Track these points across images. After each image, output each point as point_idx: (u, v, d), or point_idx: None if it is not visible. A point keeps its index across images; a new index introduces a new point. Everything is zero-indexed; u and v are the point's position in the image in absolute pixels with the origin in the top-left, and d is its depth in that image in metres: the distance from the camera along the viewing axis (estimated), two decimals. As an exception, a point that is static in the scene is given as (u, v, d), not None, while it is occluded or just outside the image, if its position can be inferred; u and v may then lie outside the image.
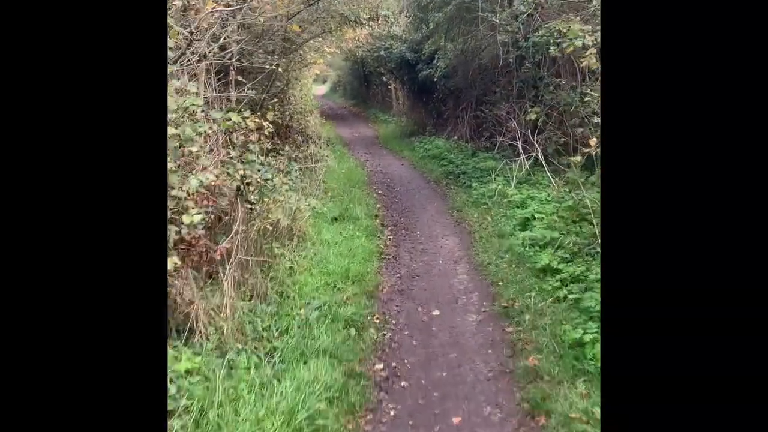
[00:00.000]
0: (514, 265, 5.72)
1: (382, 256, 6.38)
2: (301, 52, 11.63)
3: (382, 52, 15.62)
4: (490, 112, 10.96)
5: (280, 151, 8.81)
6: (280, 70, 9.13)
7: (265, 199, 5.50)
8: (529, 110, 8.94)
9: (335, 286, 5.38)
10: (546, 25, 8.12)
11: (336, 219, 7.54)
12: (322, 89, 48.24)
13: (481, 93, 11.80)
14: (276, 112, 11.04)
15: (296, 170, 8.01)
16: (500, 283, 5.38)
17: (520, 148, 8.86)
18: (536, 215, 6.54)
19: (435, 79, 13.27)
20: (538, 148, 8.56)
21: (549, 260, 5.28)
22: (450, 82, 12.81)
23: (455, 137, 12.58)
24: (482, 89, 11.71)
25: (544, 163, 8.27)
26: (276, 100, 10.62)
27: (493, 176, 8.85)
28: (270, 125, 7.22)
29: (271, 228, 5.38)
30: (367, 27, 15.82)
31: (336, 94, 40.45)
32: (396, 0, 13.61)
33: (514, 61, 8.93)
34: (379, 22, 15.83)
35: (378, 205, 8.69)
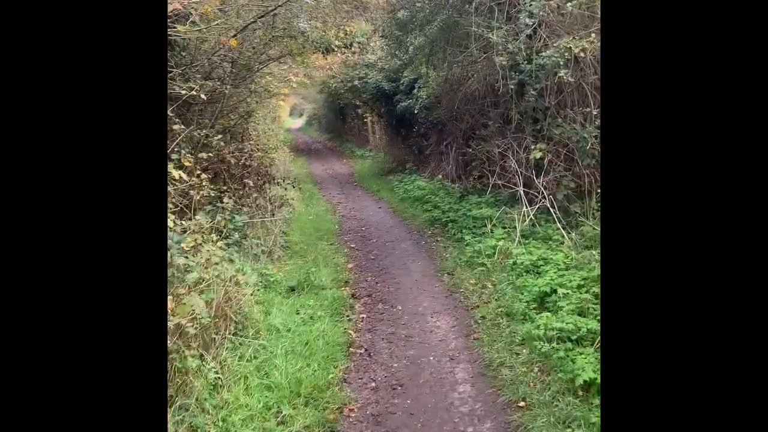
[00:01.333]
0: (537, 370, 3.99)
1: (351, 349, 4.59)
2: (261, 79, 9.99)
3: (356, 83, 14.06)
4: (481, 149, 9.35)
5: (225, 200, 7.07)
6: (227, 94, 7.47)
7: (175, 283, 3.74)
8: (532, 147, 7.34)
9: (279, 412, 3.59)
10: (555, 44, 6.56)
11: (294, 289, 5.76)
12: (298, 123, 46.93)
13: (469, 127, 10.22)
14: (230, 150, 9.30)
15: (241, 224, 6.23)
16: (522, 405, 3.63)
17: (521, 193, 7.21)
18: (558, 289, 4.84)
19: (415, 111, 11.69)
20: (545, 194, 6.92)
21: (593, 372, 3.55)
22: (432, 115, 11.24)
23: (439, 176, 10.95)
24: (470, 122, 10.14)
25: (554, 213, 6.63)
26: (222, 135, 8.92)
27: (489, 227, 7.18)
28: (197, 170, 5.47)
29: (182, 326, 3.59)
30: (339, 54, 14.29)
31: (311, 128, 38.97)
32: (370, 21, 12.08)
33: (512, 88, 7.39)
34: (353, 50, 14.33)
35: (349, 265, 6.93)
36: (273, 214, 8.85)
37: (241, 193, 7.50)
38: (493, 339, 4.59)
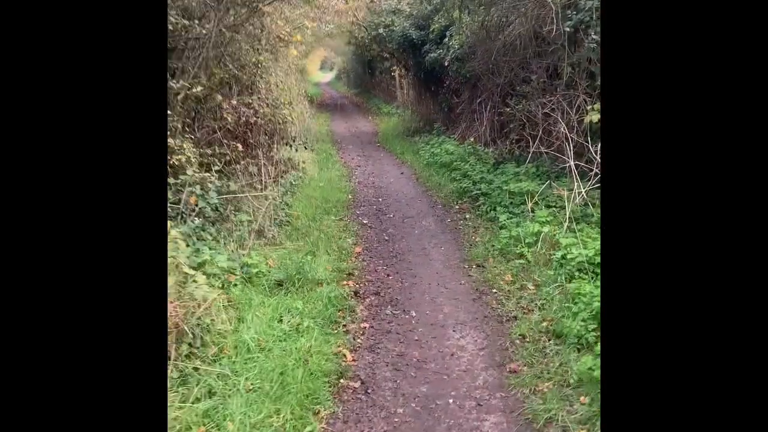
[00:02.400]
0: (604, 438, 2.72)
1: (343, 382, 3.36)
2: (260, 21, 8.61)
3: (381, 31, 12.51)
4: (521, 109, 7.88)
5: (213, 165, 5.83)
6: (214, 37, 6.18)
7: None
8: (588, 108, 5.88)
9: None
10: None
11: (282, 284, 4.54)
12: (328, 77, 45.30)
13: (508, 82, 8.71)
14: (232, 106, 8.08)
15: (216, 201, 4.99)
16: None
17: (571, 164, 5.80)
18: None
19: (446, 64, 10.18)
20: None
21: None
22: (465, 68, 9.72)
23: (471, 139, 9.51)
24: (509, 77, 8.63)
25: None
26: (221, 89, 7.65)
27: (529, 206, 5.81)
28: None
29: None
30: (363, -1, 12.72)
31: (340, 82, 37.36)
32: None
33: (566, 32, 5.89)
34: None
35: (357, 249, 5.67)
36: (276, 182, 7.61)
37: (229, 157, 6.24)
38: (537, 374, 3.31)
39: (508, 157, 8.13)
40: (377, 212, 7.11)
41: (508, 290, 4.52)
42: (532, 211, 5.72)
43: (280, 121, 10.08)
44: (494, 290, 4.57)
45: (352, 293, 4.57)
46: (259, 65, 9.84)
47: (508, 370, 3.43)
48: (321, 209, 6.92)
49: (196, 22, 5.65)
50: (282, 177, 8.03)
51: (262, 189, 6.40)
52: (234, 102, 8.23)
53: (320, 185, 8.34)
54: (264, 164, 8.07)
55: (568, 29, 5.84)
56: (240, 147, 6.26)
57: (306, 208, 6.82)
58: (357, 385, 3.33)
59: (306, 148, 9.62)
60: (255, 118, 8.35)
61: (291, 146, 9.57)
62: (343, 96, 27.91)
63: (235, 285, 4.30)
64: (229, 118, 7.46)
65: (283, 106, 10.17)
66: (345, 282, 4.76)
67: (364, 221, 6.68)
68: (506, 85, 8.78)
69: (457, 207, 7.03)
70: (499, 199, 6.45)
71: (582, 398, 3.02)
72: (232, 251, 4.75)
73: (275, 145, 9.19)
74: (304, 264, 4.81)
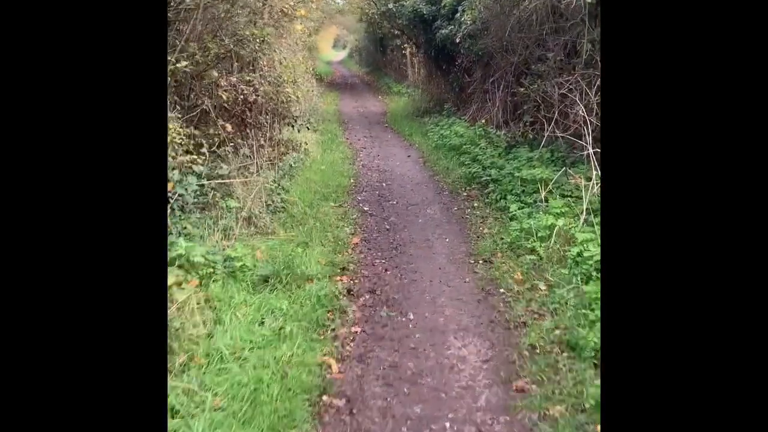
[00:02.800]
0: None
1: (325, 399, 2.94)
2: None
3: (390, 6, 11.93)
4: (536, 89, 7.36)
5: (201, 147, 5.39)
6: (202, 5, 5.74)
7: None
8: (610, 88, 5.35)
9: None
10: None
11: (268, 280, 4.13)
12: (341, 55, 44.56)
13: (522, 60, 8.17)
14: (229, 83, 7.67)
15: (195, 187, 4.55)
16: None
17: (590, 151, 5.29)
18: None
19: (457, 41, 9.62)
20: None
21: None
22: (477, 45, 9.17)
23: (482, 121, 8.99)
24: (524, 54, 8.08)
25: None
26: (219, 64, 7.20)
27: (543, 195, 5.33)
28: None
29: None
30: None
31: (352, 60, 36.66)
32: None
33: (587, 2, 5.35)
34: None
35: (354, 240, 5.23)
36: (274, 164, 7.18)
37: (221, 138, 5.79)
38: (548, 395, 2.87)
39: (521, 141, 7.62)
40: (380, 198, 6.65)
41: (518, 291, 4.07)
42: (546, 200, 5.24)
43: (284, 100, 9.62)
44: (502, 290, 4.12)
45: (345, 291, 4.14)
46: (262, 41, 9.36)
47: (514, 388, 2.99)
48: (320, 194, 6.48)
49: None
50: (281, 159, 7.59)
51: (255, 172, 5.97)
52: (233, 79, 7.78)
53: (322, 168, 7.89)
54: (261, 145, 7.64)
55: (589, 1, 5.29)
56: (229, 128, 5.80)
57: (304, 193, 6.39)
58: (341, 403, 2.91)
59: (309, 129, 9.16)
60: (254, 97, 7.90)
61: (293, 126, 9.12)
62: (354, 75, 27.31)
63: (216, 281, 3.89)
64: (224, 96, 7.01)
65: (286, 84, 9.69)
66: (338, 278, 4.33)
67: (365, 208, 6.23)
68: (520, 63, 8.24)
69: (465, 194, 6.56)
70: (510, 186, 5.97)
71: (598, 427, 2.59)
72: (216, 242, 4.34)
73: (276, 125, 8.75)
74: (295, 257, 4.39)
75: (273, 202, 5.84)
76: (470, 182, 6.84)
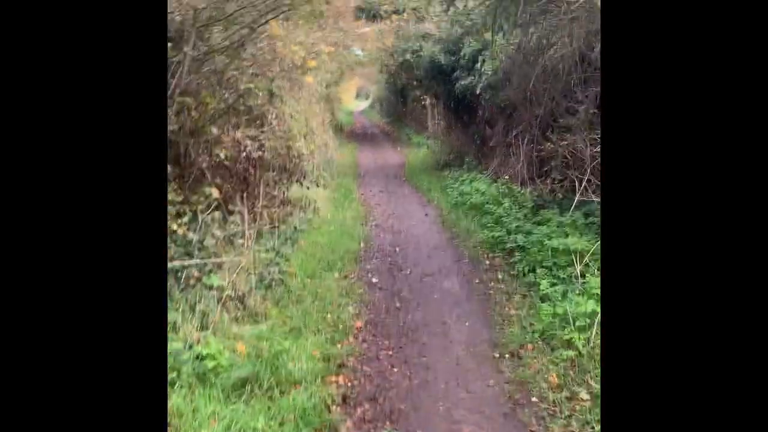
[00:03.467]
0: None
1: None
2: (271, 45, 7.65)
3: (408, 57, 11.45)
4: (564, 144, 6.65)
5: (183, 215, 4.73)
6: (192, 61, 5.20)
7: None
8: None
9: None
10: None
11: (245, 384, 3.35)
12: (363, 105, 44.72)
13: (548, 112, 7.49)
14: (233, 139, 7.15)
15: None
16: None
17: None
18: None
19: (478, 92, 9.02)
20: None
21: None
22: (499, 96, 8.53)
23: (506, 177, 8.28)
24: (550, 106, 7.40)
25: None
26: (221, 119, 6.67)
27: (578, 269, 4.52)
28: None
29: None
30: (388, 22, 11.70)
31: (373, 111, 36.61)
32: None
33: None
34: (405, 16, 11.70)
35: (358, 323, 4.45)
36: (275, 227, 6.50)
37: (208, 203, 5.12)
38: None
39: (550, 201, 6.86)
40: (391, 267, 5.89)
41: (553, 400, 3.23)
42: (583, 276, 4.43)
43: (295, 155, 9.04)
44: (534, 399, 3.29)
45: (340, 398, 3.35)
46: (272, 93, 8.86)
47: None
48: (324, 263, 5.76)
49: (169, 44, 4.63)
50: (285, 220, 6.92)
51: (249, 240, 5.28)
52: (238, 134, 7.23)
53: (330, 229, 7.20)
54: (266, 205, 7.00)
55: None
56: (215, 193, 5.15)
57: (306, 261, 5.67)
58: None
59: (318, 186, 8.53)
60: (259, 153, 7.31)
61: (302, 184, 8.50)
62: (375, 125, 27.03)
63: (181, 387, 3.15)
64: (222, 154, 6.42)
65: (296, 139, 9.12)
66: (333, 378, 3.55)
67: (374, 280, 5.47)
68: (546, 115, 7.56)
69: (487, 263, 5.77)
70: (540, 257, 5.18)
71: None
72: (187, 335, 3.61)
73: (284, 183, 8.14)
74: (283, 351, 3.63)
75: (269, 274, 5.12)
76: (493, 248, 6.07)
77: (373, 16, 11.20)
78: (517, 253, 5.57)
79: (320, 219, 7.82)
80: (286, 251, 5.92)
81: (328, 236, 6.83)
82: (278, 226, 6.64)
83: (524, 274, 5.15)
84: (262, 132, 8.16)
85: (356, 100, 49.13)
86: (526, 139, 8.17)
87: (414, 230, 7.43)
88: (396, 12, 11.08)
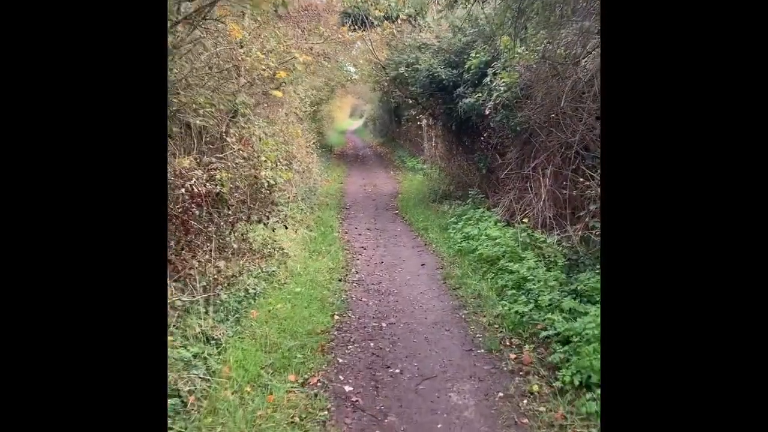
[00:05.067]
0: None
1: None
2: (230, 52, 5.94)
3: (402, 70, 9.71)
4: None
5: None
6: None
7: None
8: None
9: None
10: None
11: None
12: (357, 124, 43.14)
13: (579, 140, 5.73)
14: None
15: None
16: None
17: None
18: None
19: (486, 112, 7.26)
20: None
21: None
22: (516, 118, 6.78)
23: (520, 217, 6.50)
24: (581, 131, 5.65)
25: None
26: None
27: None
28: None
29: None
30: (379, 30, 9.96)
31: (366, 130, 34.96)
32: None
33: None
34: (398, 24, 9.97)
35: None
36: (214, 295, 4.66)
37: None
38: None
39: (586, 256, 5.07)
40: (374, 361, 4.05)
41: None
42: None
43: (264, 186, 7.23)
44: None
45: None
46: (235, 111, 7.08)
47: None
48: (278, 357, 3.92)
49: None
50: (232, 283, 5.08)
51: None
52: (185, 163, 5.47)
53: (297, 291, 5.36)
54: (208, 260, 5.18)
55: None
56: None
57: (250, 356, 3.83)
58: None
59: (287, 227, 6.72)
60: (207, 186, 5.51)
61: (266, 225, 6.68)
62: (367, 146, 25.31)
63: None
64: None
65: (266, 166, 7.30)
66: None
67: (347, 389, 3.62)
68: (577, 143, 5.80)
69: (512, 358, 3.94)
70: (595, 358, 3.36)
71: None
72: None
73: (244, 224, 6.33)
74: None
75: (186, 384, 3.29)
76: (520, 330, 4.25)
77: (361, 22, 9.48)
78: (557, 348, 3.75)
79: (287, 272, 6.00)
80: (225, 335, 4.08)
81: (292, 303, 5.00)
82: (223, 290, 4.81)
83: (573, 385, 3.34)
84: (219, 159, 6.35)
85: (350, 119, 47.51)
86: (549, 172, 6.41)
87: (407, 291, 5.61)
88: (388, 19, 9.36)
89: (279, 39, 7.41)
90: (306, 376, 3.71)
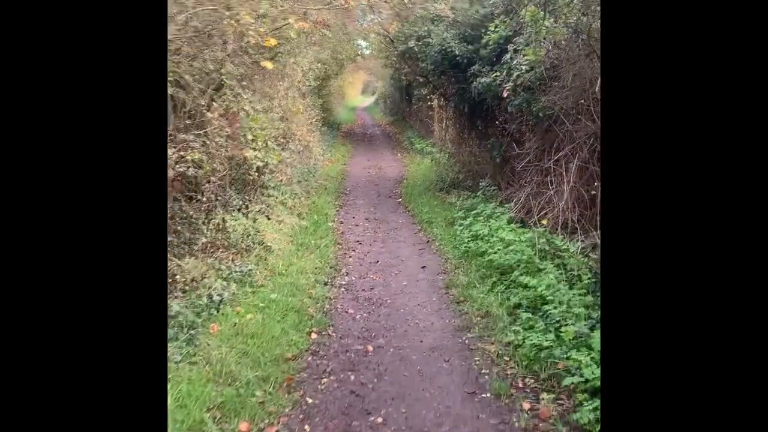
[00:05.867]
0: None
1: None
2: (212, 14, 5.05)
3: (411, 44, 8.74)
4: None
5: None
6: None
7: None
8: None
9: None
10: None
11: None
12: (369, 101, 42.06)
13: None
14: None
15: None
16: None
17: None
18: None
19: (505, 94, 6.33)
20: None
21: None
22: (540, 102, 5.85)
23: (538, 217, 5.61)
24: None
25: None
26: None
27: None
28: None
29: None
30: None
31: (378, 108, 33.90)
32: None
33: None
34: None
35: None
36: (177, 297, 3.84)
37: None
38: None
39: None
40: (352, 403, 3.20)
41: None
42: None
43: (253, 169, 6.44)
44: None
45: None
46: (221, 84, 6.26)
47: None
48: (231, 393, 3.09)
49: None
50: (196, 287, 4.26)
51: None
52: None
53: (272, 297, 4.54)
54: (174, 255, 4.37)
55: None
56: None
57: (196, 391, 3.01)
58: None
59: (269, 218, 5.88)
60: (172, 170, 4.72)
61: (246, 214, 5.85)
62: (376, 124, 24.33)
63: None
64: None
65: (255, 146, 6.47)
66: None
67: (313, 445, 2.80)
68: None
69: (526, 408, 3.09)
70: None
71: None
72: None
73: (219, 213, 5.51)
74: None
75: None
76: (535, 369, 3.40)
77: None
78: (585, 401, 2.91)
79: (267, 270, 5.18)
80: (170, 360, 3.27)
81: (264, 314, 4.18)
82: (178, 298, 3.98)
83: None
84: (199, 136, 5.53)
85: (362, 96, 46.32)
86: (573, 167, 5.50)
87: (402, 301, 4.77)
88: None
89: (273, 1, 6.48)
90: (261, 425, 2.89)
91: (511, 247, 5.10)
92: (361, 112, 32.80)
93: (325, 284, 5.06)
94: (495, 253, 5.16)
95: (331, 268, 5.54)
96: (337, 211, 8.14)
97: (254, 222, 5.78)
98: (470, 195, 7.78)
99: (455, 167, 9.38)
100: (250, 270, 5.01)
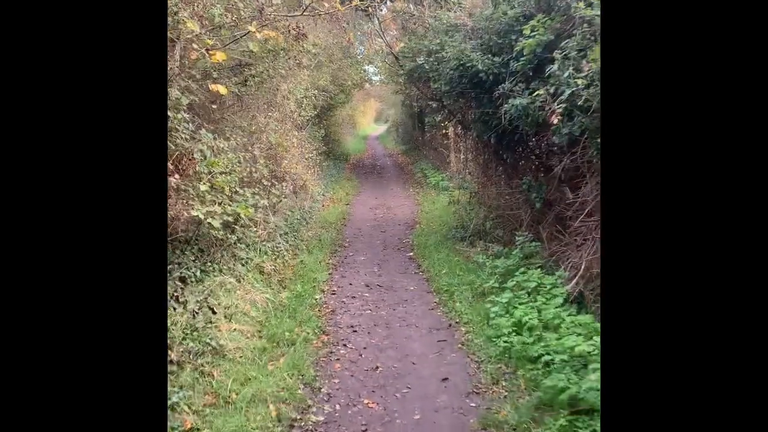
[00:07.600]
0: None
1: None
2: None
3: (420, 60, 6.98)
4: None
5: None
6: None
7: None
8: None
9: None
10: None
11: None
12: (381, 129, 40.64)
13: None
14: None
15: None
16: None
17: None
18: None
19: (553, 121, 4.50)
20: None
21: None
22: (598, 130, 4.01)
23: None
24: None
25: None
26: None
27: None
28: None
29: None
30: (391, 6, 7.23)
31: (390, 136, 32.28)
32: None
33: None
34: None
35: None
36: None
37: None
38: None
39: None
40: None
41: None
42: None
43: (211, 226, 4.70)
44: None
45: None
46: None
47: None
48: None
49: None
50: None
51: None
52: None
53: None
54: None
55: None
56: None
57: None
58: None
59: (215, 313, 4.08)
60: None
61: (183, 305, 4.05)
62: (388, 154, 22.63)
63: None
64: None
65: (208, 197, 4.71)
66: None
67: None
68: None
69: None
70: None
71: None
72: None
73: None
74: None
75: None
76: None
77: (367, -6, 6.81)
78: None
79: (208, 396, 3.35)
80: None
81: None
82: None
83: None
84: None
85: (375, 124, 44.88)
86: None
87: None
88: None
89: (232, 4, 4.74)
90: None
91: (581, 357, 3.21)
92: (373, 141, 31.29)
93: (291, 427, 3.19)
94: (557, 368, 3.27)
95: (306, 385, 3.68)
96: (331, 274, 6.30)
97: (201, 309, 3.97)
98: (502, 251, 5.90)
99: (480, 212, 7.50)
100: (175, 403, 3.18)
